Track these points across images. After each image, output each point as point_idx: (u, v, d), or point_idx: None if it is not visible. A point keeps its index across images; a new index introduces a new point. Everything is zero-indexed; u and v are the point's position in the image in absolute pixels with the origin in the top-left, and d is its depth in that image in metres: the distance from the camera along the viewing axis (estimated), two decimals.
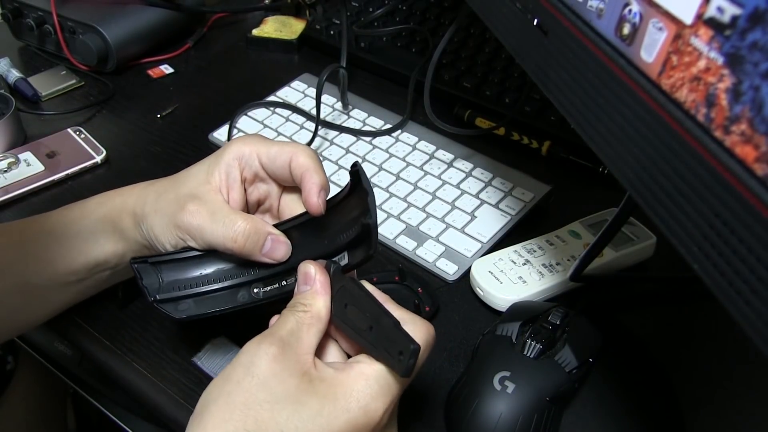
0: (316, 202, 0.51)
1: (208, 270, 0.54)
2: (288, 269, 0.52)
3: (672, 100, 0.33)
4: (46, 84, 0.92)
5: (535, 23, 0.47)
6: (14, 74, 0.92)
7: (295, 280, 0.50)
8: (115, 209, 0.57)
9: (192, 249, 0.53)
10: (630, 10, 0.37)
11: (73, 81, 0.93)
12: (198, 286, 0.53)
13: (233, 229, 0.51)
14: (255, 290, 0.53)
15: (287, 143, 0.54)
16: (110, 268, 0.58)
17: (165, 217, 0.53)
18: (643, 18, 0.36)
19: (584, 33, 0.41)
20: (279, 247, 0.52)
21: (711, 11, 0.30)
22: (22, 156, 0.79)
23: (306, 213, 0.53)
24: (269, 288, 0.53)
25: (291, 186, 0.55)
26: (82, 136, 0.83)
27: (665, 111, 0.34)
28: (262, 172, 0.55)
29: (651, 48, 0.35)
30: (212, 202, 0.52)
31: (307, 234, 0.54)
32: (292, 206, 0.56)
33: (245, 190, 0.55)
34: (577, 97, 0.42)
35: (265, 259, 0.52)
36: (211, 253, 0.53)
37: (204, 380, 0.58)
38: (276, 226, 0.54)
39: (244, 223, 0.51)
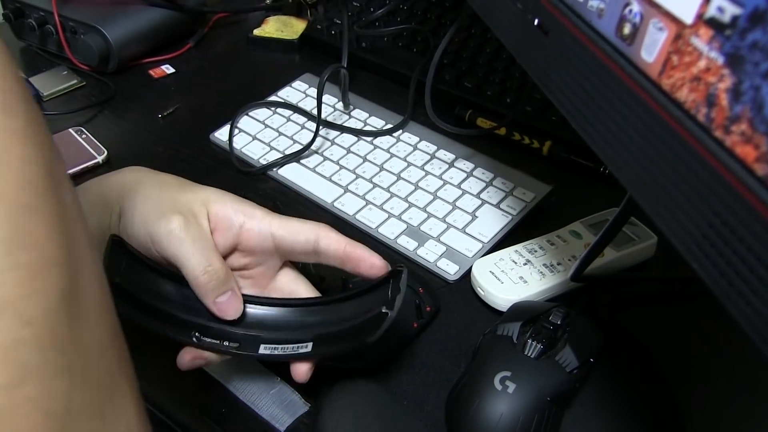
0: (379, 263, 0.54)
1: (169, 289, 0.54)
2: (234, 335, 0.53)
3: (672, 100, 0.33)
4: (48, 84, 0.92)
5: (535, 23, 0.47)
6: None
7: (237, 347, 0.53)
8: (110, 186, 0.56)
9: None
10: (630, 10, 0.37)
11: (75, 81, 0.93)
12: (152, 298, 0.53)
13: (208, 263, 0.51)
14: (195, 334, 0.53)
15: (303, 221, 0.55)
16: (98, 241, 0.55)
17: (152, 211, 0.52)
18: (643, 18, 0.36)
19: (585, 33, 0.41)
20: (231, 306, 0.53)
21: (711, 11, 0.30)
22: None
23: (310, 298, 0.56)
24: (208, 340, 0.53)
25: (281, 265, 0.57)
26: (84, 136, 0.83)
27: (665, 111, 0.34)
28: (265, 244, 0.54)
29: (651, 48, 0.35)
30: (201, 228, 0.53)
31: (283, 317, 0.55)
32: (288, 283, 0.57)
33: (230, 251, 0.55)
34: (577, 98, 0.42)
35: (213, 308, 0.52)
36: (177, 277, 0.53)
37: (207, 381, 0.58)
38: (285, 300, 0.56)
39: (219, 265, 0.52)
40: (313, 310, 0.55)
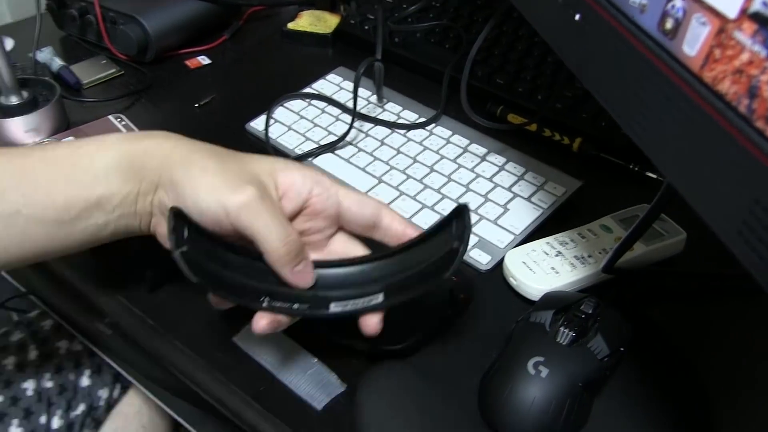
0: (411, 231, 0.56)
1: (233, 258, 0.54)
2: (303, 297, 0.54)
3: (714, 92, 0.35)
4: (88, 72, 0.94)
5: (576, 18, 0.48)
6: (57, 62, 0.94)
7: (308, 308, 0.53)
8: (141, 149, 0.54)
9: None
10: (673, 6, 0.38)
11: (113, 70, 0.96)
12: (219, 266, 0.53)
13: (286, 234, 0.52)
14: (266, 299, 0.53)
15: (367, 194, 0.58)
16: (107, 211, 0.54)
17: (220, 183, 0.52)
18: (686, 13, 0.37)
19: (626, 28, 0.42)
20: (307, 274, 0.54)
21: (756, 6, 0.32)
22: (65, 141, 0.82)
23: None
24: (278, 304, 0.53)
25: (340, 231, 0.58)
26: (123, 122, 0.85)
27: (707, 102, 0.35)
28: (330, 210, 0.56)
29: (693, 42, 0.36)
30: (273, 199, 0.53)
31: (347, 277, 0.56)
32: (344, 247, 0.58)
33: (294, 217, 0.55)
34: (618, 90, 0.43)
35: (290, 278, 0.53)
36: (236, 249, 0.54)
37: (244, 359, 0.60)
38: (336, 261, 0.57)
39: (296, 235, 0.52)
40: (380, 263, 0.56)
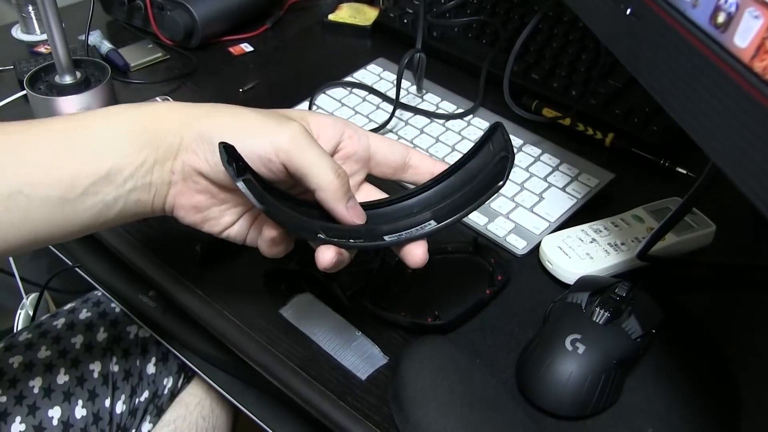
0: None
1: (291, 198, 0.53)
2: (357, 231, 0.53)
3: (764, 82, 0.37)
4: (135, 56, 0.98)
5: (628, 12, 0.51)
6: (106, 45, 0.97)
7: (363, 241, 0.52)
8: (153, 114, 0.51)
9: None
10: (726, 1, 0.41)
11: (159, 54, 0.99)
12: (278, 198, 0.51)
13: (337, 166, 0.50)
14: (319, 234, 0.51)
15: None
16: (118, 185, 0.50)
17: (260, 125, 0.50)
18: (739, 7, 0.40)
19: (678, 21, 0.45)
20: (359, 210, 0.53)
21: None
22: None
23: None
24: (335, 240, 0.51)
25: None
26: None
27: (758, 91, 0.38)
28: (362, 153, 0.56)
29: (745, 34, 0.39)
30: (314, 137, 0.52)
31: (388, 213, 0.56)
32: (372, 196, 0.58)
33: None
34: (668, 80, 0.46)
35: (345, 214, 0.51)
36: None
37: (290, 330, 0.63)
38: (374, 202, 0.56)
39: (344, 169, 0.51)
40: (425, 194, 0.57)
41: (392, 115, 0.83)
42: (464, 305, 0.62)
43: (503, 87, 0.80)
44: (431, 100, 0.88)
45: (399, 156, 0.57)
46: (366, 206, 0.55)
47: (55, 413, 0.78)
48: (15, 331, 0.92)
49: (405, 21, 1.01)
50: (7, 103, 0.90)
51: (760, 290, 0.68)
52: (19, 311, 1.10)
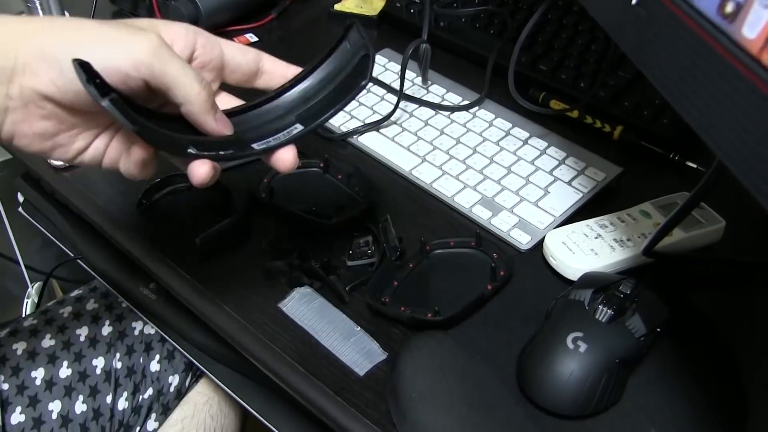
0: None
1: (155, 114, 0.50)
2: (225, 143, 0.51)
3: None
4: None
5: (633, 2, 0.49)
6: None
7: (233, 153, 0.51)
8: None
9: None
10: None
11: None
12: (145, 116, 0.47)
13: (201, 78, 0.47)
14: (190, 149, 0.49)
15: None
16: None
17: (111, 38, 0.46)
18: None
19: (684, 11, 0.44)
20: (225, 121, 0.51)
21: None
22: None
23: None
24: (205, 153, 0.49)
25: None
26: None
27: (766, 85, 0.36)
28: (216, 61, 0.53)
29: (754, 25, 0.38)
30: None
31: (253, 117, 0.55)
32: (229, 104, 0.55)
33: None
34: (674, 72, 0.44)
35: (214, 126, 0.49)
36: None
37: (289, 325, 0.62)
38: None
39: (207, 80, 0.49)
40: (286, 97, 0.55)
41: (396, 106, 0.82)
42: (465, 301, 0.61)
43: (508, 78, 0.78)
44: (436, 92, 0.87)
45: (252, 62, 0.55)
46: (228, 114, 0.52)
47: (55, 407, 0.77)
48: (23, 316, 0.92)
49: (411, 11, 0.99)
50: None
51: None
52: (25, 300, 1.10)
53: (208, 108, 0.48)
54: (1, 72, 0.43)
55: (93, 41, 0.45)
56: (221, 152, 0.50)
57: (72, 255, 0.93)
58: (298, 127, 0.53)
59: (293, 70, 0.56)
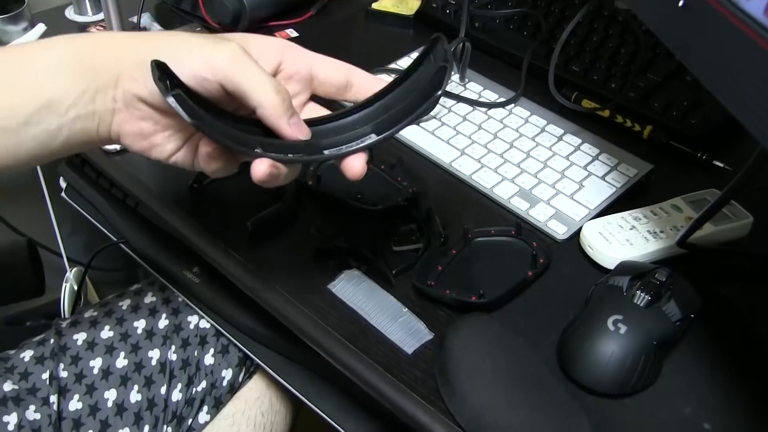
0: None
1: (228, 115, 0.53)
2: (296, 146, 0.53)
3: None
4: None
5: (680, 4, 0.52)
6: (156, 27, 1.00)
7: (302, 156, 0.53)
8: (91, 43, 0.52)
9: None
10: None
11: None
12: (214, 115, 0.51)
13: (277, 82, 0.51)
14: (257, 149, 0.51)
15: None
16: (60, 113, 0.51)
17: (197, 46, 0.50)
18: None
19: (731, 12, 0.47)
20: (302, 125, 0.53)
21: None
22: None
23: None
24: (273, 154, 0.52)
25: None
26: None
27: None
28: (303, 72, 0.56)
29: None
30: (253, 57, 0.52)
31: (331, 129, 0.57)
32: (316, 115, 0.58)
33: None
34: (722, 71, 0.47)
35: (287, 129, 0.52)
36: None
37: (338, 305, 0.65)
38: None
39: (284, 86, 0.52)
40: (367, 110, 0.57)
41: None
42: (507, 285, 0.64)
43: (548, 77, 0.82)
44: (473, 89, 0.90)
45: (341, 75, 0.57)
46: (308, 123, 0.55)
47: (110, 395, 0.79)
48: (62, 302, 0.94)
49: (447, 11, 1.03)
50: None
51: None
52: (64, 284, 1.13)
53: (281, 112, 0.51)
54: (110, 78, 0.51)
55: (179, 49, 0.50)
56: (290, 155, 0.53)
57: (114, 239, 0.96)
58: (372, 137, 0.54)
59: (382, 84, 0.58)
